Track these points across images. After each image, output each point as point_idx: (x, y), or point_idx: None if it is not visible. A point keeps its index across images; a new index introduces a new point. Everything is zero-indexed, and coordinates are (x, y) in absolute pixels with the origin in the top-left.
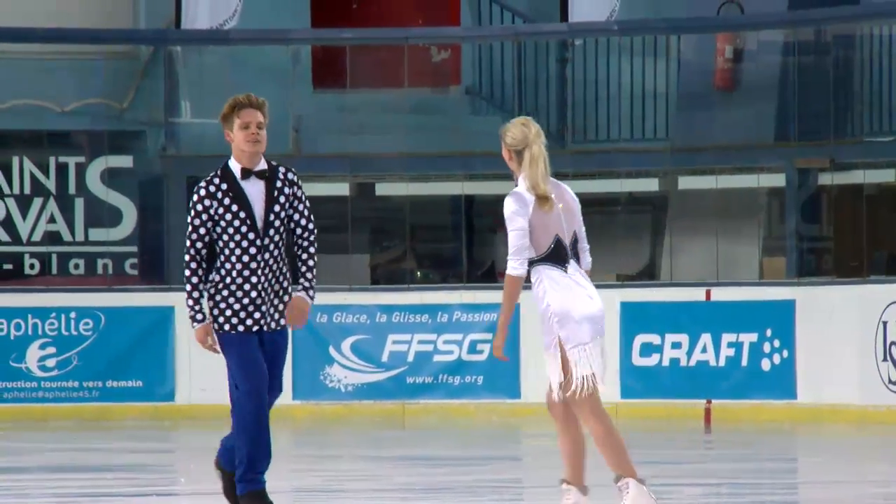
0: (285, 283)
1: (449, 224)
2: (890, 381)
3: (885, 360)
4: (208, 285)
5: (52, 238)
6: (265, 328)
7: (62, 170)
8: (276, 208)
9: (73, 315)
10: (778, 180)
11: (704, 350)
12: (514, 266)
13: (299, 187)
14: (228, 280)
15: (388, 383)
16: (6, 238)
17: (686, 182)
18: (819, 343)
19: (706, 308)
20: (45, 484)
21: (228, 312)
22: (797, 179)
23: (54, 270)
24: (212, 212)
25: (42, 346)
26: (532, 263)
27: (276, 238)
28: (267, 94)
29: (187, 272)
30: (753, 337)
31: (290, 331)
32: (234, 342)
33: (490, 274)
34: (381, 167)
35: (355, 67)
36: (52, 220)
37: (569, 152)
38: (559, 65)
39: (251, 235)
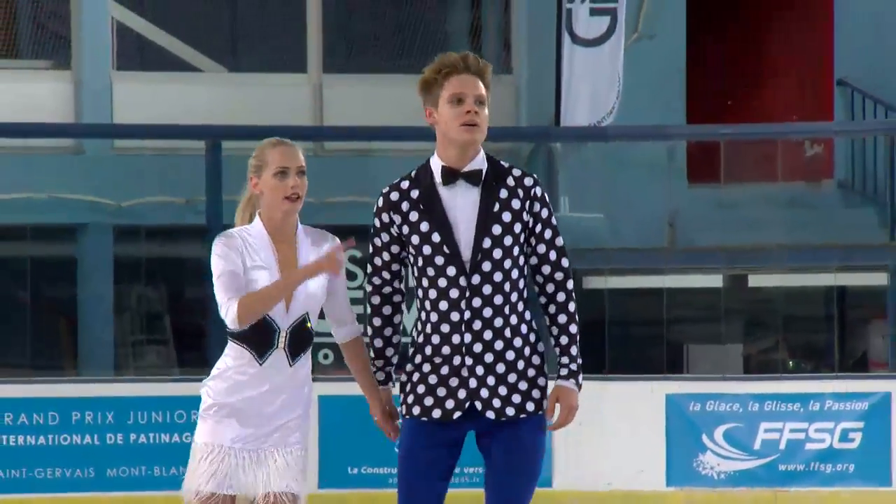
0: (519, 356)
1: (822, 315)
2: None
3: None
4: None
5: None
6: (481, 413)
7: None
8: (496, 230)
9: None
10: None
11: None
12: None
13: (541, 201)
14: (422, 338)
15: (760, 471)
16: None
17: None
18: None
19: None
20: None
21: (414, 380)
22: None
23: None
24: (393, 230)
25: None
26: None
27: (498, 277)
28: (643, 188)
29: (368, 310)
30: None
31: (542, 424)
32: (405, 432)
33: (862, 363)
34: (756, 259)
35: (730, 162)
36: None
37: None
38: None
39: (451, 270)
